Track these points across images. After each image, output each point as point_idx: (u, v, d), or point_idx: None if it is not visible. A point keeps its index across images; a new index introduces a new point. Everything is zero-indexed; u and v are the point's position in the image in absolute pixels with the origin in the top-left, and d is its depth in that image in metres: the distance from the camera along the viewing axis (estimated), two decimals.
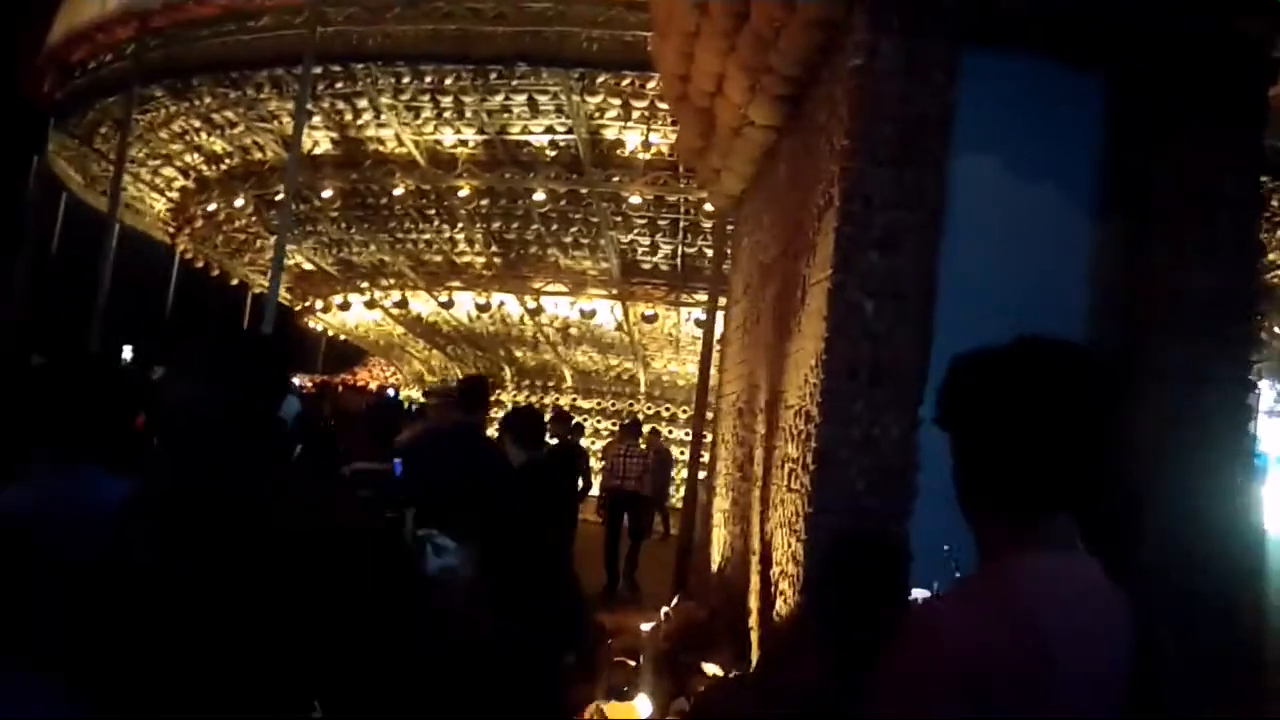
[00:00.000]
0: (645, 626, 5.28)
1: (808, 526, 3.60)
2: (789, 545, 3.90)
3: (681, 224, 11.89)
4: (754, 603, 4.42)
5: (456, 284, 13.91)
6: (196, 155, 13.97)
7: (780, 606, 3.97)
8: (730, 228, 9.34)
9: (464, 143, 11.56)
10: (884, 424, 3.61)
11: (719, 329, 10.13)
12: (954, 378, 1.33)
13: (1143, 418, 3.84)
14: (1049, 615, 1.17)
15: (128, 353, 11.03)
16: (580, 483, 7.94)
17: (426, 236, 13.24)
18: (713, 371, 9.45)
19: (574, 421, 11.04)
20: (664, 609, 5.59)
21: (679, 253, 12.39)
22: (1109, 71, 3.88)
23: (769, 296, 5.10)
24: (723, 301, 8.31)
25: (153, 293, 18.08)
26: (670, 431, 14.19)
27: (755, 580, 4.39)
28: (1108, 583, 1.26)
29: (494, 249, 13.10)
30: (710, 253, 12.37)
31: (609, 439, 13.79)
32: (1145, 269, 3.85)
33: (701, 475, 9.56)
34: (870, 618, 2.26)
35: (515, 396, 15.44)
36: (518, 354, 15.67)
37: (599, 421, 15.34)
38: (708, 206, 11.11)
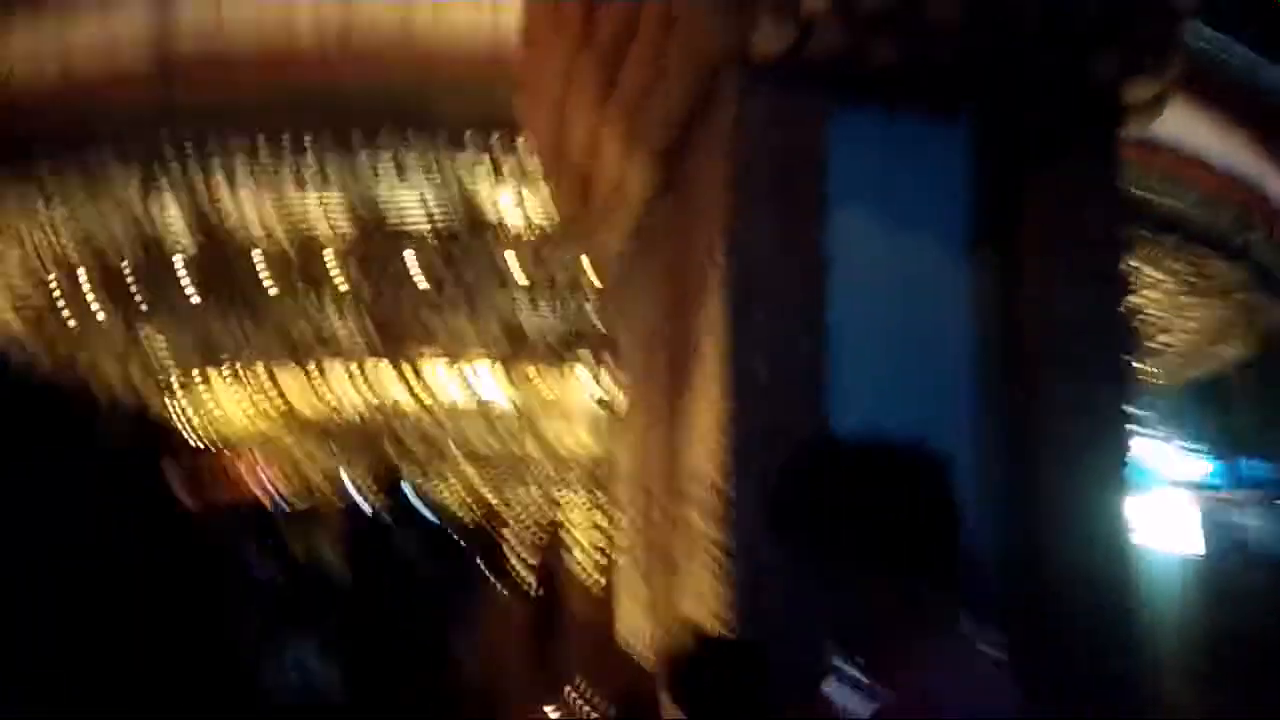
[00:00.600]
0: (553, 716, 5.00)
1: (726, 608, 3.44)
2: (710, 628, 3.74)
3: (562, 286, 11.74)
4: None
5: (328, 357, 13.34)
6: (40, 234, 13.01)
7: None
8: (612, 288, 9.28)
9: (330, 211, 11.16)
10: (786, 495, 3.50)
11: (613, 396, 10.00)
12: (796, 482, 1.34)
13: (1029, 450, 3.89)
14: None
15: None
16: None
17: (294, 310, 12.66)
18: (609, 442, 9.33)
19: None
20: (571, 695, 5.32)
21: (563, 316, 12.22)
22: (970, 116, 3.99)
23: (661, 361, 4.99)
24: (612, 368, 8.21)
25: None
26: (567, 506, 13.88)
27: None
28: (992, 670, 1.29)
29: (367, 320, 12.63)
30: (594, 315, 12.30)
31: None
32: (1019, 303, 3.95)
33: (602, 553, 9.36)
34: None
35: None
36: (407, 444, 15.06)
37: (504, 508, 14.85)
38: (588, 266, 11.04)
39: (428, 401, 13.56)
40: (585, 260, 10.85)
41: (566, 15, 4.66)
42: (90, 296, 13.29)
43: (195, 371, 14.62)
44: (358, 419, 14.38)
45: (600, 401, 9.38)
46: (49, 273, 13.66)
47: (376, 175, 10.62)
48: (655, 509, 4.99)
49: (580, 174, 5.66)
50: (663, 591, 4.45)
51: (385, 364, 13.09)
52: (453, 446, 14.91)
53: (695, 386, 4.14)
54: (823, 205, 3.69)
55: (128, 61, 10.32)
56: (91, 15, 10.43)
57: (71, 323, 14.59)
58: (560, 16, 4.76)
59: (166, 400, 15.64)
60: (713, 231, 3.87)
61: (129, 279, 12.38)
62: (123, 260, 12.42)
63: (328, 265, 11.52)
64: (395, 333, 12.73)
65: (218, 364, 14.13)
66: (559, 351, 12.68)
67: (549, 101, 5.10)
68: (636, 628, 5.53)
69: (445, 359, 12.90)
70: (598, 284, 9.00)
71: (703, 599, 3.70)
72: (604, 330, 9.53)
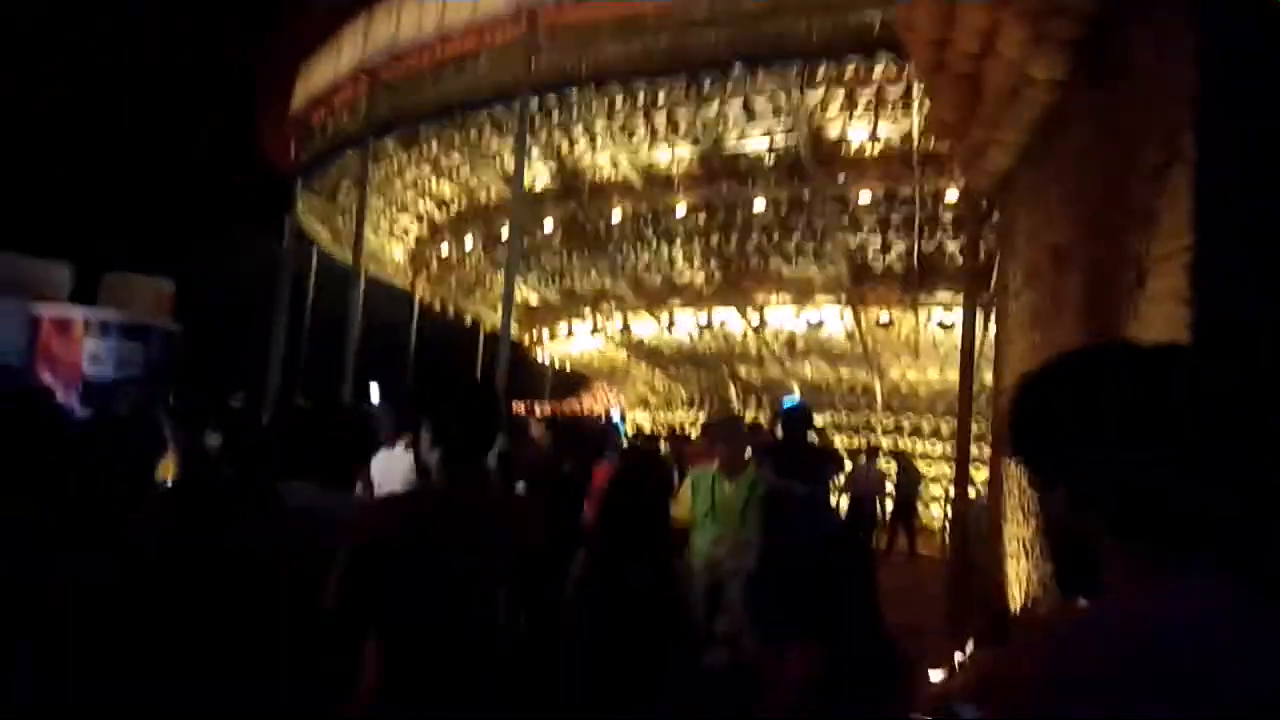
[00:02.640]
0: (934, 675, 4.53)
1: None
2: None
3: (917, 218, 10.97)
4: None
5: (677, 303, 13.65)
6: (428, 201, 14.61)
7: None
8: (989, 214, 8.41)
9: (679, 160, 11.29)
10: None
11: (982, 329, 9.17)
12: (1043, 397, 1.09)
13: None
14: (1183, 641, 0.97)
15: (375, 390, 12.05)
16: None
17: (645, 258, 13.08)
18: (985, 378, 8.55)
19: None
20: (958, 656, 4.84)
21: (915, 250, 11.45)
22: None
23: (1071, 284, 4.29)
24: (987, 297, 7.43)
25: (397, 335, 19.17)
26: (914, 444, 13.17)
27: None
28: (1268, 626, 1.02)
29: (714, 265, 12.72)
30: (952, 246, 11.39)
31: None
32: None
33: (976, 493, 8.66)
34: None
35: (742, 413, 14.92)
36: (741, 370, 15.18)
37: (832, 436, 14.51)
38: (949, 197, 10.18)
39: (768, 338, 13.46)
40: (952, 188, 10.02)
41: None
42: (471, 251, 14.72)
43: (558, 314, 15.74)
44: (701, 354, 14.68)
45: (966, 336, 8.55)
46: (438, 234, 15.37)
47: (726, 120, 10.53)
48: None
49: (967, 79, 5.01)
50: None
51: (730, 305, 13.13)
52: (792, 381, 14.73)
53: (1137, 312, 3.44)
54: None
55: (498, 32, 11.09)
56: None
57: (454, 278, 16.36)
58: None
59: (533, 339, 17.03)
60: (1174, 124, 3.14)
61: (503, 235, 13.51)
62: (496, 218, 13.57)
63: (678, 214, 11.69)
64: (740, 276, 12.71)
65: (579, 310, 15.07)
66: (908, 287, 11.95)
67: None
68: (1023, 581, 4.92)
69: (787, 296, 12.65)
70: (966, 211, 8.15)
71: None
72: (968, 262, 8.65)
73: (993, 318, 8.94)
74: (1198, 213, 2.89)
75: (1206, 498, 1.01)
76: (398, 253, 17.29)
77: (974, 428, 9.17)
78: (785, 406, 4.66)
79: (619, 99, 10.47)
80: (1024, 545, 4.88)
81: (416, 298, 18.71)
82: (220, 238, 19.99)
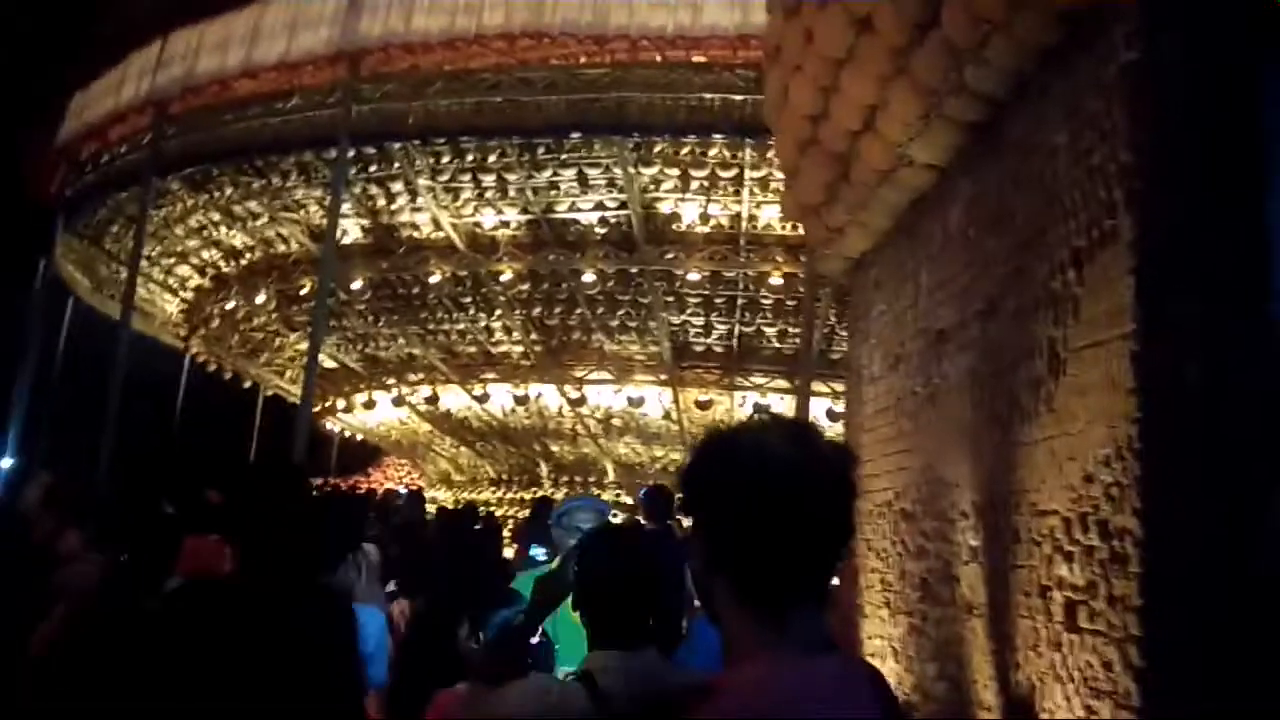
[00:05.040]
0: None
1: (1143, 689, 2.56)
2: (1085, 708, 2.88)
3: (739, 301, 11.03)
4: None
5: (491, 375, 12.99)
6: (214, 251, 13.21)
7: None
8: (818, 299, 8.48)
9: (505, 224, 10.80)
10: (1239, 532, 2.64)
11: (815, 413, 9.20)
12: (699, 460, 1.22)
13: None
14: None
15: None
16: None
17: (460, 326, 12.38)
18: None
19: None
20: None
21: (735, 333, 11.50)
22: None
23: (955, 370, 4.16)
24: (823, 385, 7.38)
25: (163, 400, 17.12)
26: None
27: None
28: (860, 682, 1.22)
29: (533, 337, 12.22)
30: (770, 331, 11.54)
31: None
32: None
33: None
34: None
35: (553, 493, 14.32)
36: (554, 448, 14.63)
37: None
38: (773, 281, 10.30)
39: (584, 415, 13.04)
40: (775, 274, 10.13)
41: None
42: (261, 307, 13.40)
43: (356, 381, 14.58)
44: (513, 429, 14.01)
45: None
46: (221, 289, 13.91)
47: (557, 188, 10.21)
48: (948, 549, 4.13)
49: (837, 160, 4.90)
50: (983, 653, 3.58)
51: (547, 380, 12.64)
52: (605, 460, 14.35)
53: (1052, 403, 3.29)
54: (1265, 171, 2.81)
55: (313, 74, 10.25)
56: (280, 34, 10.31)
57: (237, 337, 14.84)
58: None
59: (324, 407, 15.66)
60: (1098, 204, 3.04)
61: (301, 291, 12.36)
62: (295, 274, 12.43)
63: (500, 279, 11.14)
64: (561, 349, 12.29)
65: (379, 375, 14.03)
66: (725, 368, 12.00)
67: (821, 64, 4.38)
68: (895, 684, 4.63)
69: (607, 373, 12.34)
70: (806, 296, 8.14)
71: (1087, 679, 2.84)
72: (804, 345, 8.65)
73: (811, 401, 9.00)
74: (1138, 300, 2.75)
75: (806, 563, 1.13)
76: (170, 306, 15.52)
77: None
78: (646, 491, 4.23)
79: (445, 156, 9.89)
80: (896, 647, 4.63)
81: (188, 356, 16.83)
82: None
